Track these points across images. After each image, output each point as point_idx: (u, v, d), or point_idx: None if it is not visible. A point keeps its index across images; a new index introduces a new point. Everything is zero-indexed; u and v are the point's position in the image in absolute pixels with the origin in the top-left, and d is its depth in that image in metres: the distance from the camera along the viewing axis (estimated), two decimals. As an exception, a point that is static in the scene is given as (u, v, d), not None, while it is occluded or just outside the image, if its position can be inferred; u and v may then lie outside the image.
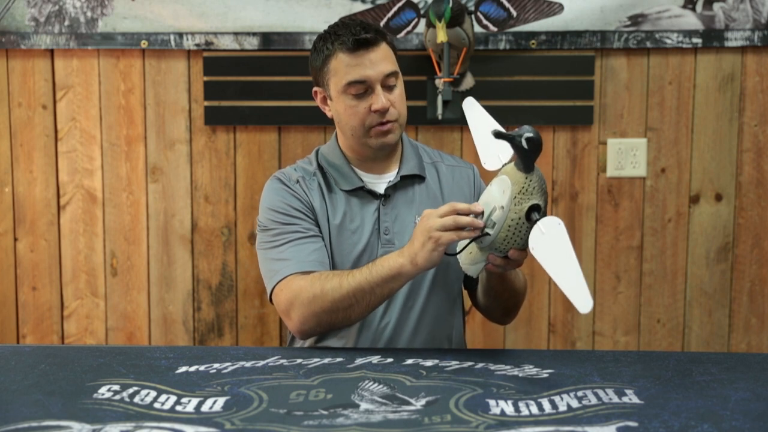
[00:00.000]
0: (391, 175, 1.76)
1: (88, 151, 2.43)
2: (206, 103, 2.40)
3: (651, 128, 2.40)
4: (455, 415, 1.19)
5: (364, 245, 1.71)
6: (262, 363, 1.46)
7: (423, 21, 2.30)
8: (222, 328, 2.47)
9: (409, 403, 1.24)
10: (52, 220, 2.45)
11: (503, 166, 1.48)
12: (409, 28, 2.30)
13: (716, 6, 2.34)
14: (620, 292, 2.45)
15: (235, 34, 2.37)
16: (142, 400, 1.25)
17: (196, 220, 2.45)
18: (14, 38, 2.38)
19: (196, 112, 2.42)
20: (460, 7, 2.23)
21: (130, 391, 1.29)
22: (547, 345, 2.46)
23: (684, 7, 2.35)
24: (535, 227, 1.39)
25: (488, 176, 1.72)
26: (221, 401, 1.25)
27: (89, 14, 2.37)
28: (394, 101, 1.68)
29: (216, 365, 1.44)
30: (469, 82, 2.35)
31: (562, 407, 1.22)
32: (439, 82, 2.28)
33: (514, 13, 2.29)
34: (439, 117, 2.29)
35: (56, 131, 2.43)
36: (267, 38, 2.37)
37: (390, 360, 1.48)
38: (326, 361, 1.47)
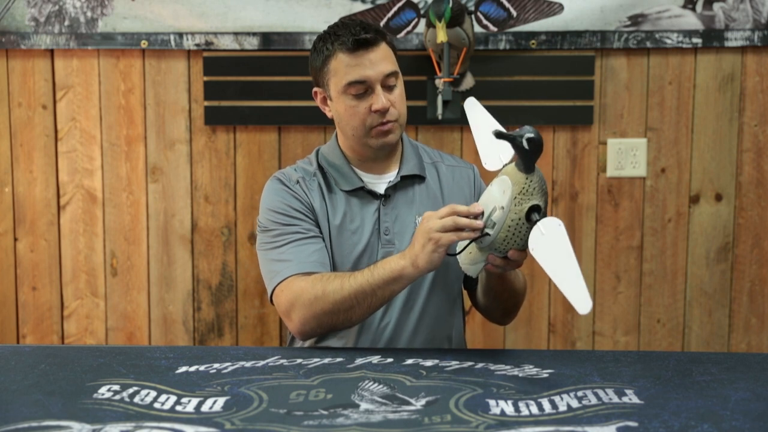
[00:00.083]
0: (391, 176, 1.76)
1: (88, 151, 2.43)
2: (206, 103, 2.40)
3: (651, 128, 2.40)
4: (455, 415, 1.19)
5: (365, 245, 1.71)
6: (262, 363, 1.46)
7: (423, 21, 2.30)
8: (222, 328, 2.47)
9: (409, 403, 1.24)
10: (52, 220, 2.45)
11: (504, 166, 1.48)
12: (409, 28, 2.30)
13: (716, 6, 2.34)
14: (620, 292, 2.45)
15: (235, 34, 2.37)
16: (142, 400, 1.25)
17: (196, 220, 2.45)
18: (14, 38, 2.38)
19: (196, 112, 2.42)
20: (460, 7, 2.23)
21: (130, 391, 1.29)
22: (547, 345, 2.46)
23: (684, 7, 2.35)
24: (535, 228, 1.39)
25: (488, 176, 1.72)
26: (221, 401, 1.25)
27: (89, 14, 2.37)
28: (395, 101, 1.68)
29: (216, 365, 1.44)
30: (469, 82, 2.35)
31: (562, 407, 1.22)
32: (439, 82, 2.28)
33: (514, 13, 2.29)
34: (439, 117, 2.29)
35: (56, 131, 2.43)
36: (267, 38, 2.37)
37: (390, 360, 1.48)
38: (326, 361, 1.47)
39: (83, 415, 1.18)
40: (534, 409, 1.21)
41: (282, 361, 1.47)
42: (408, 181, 1.76)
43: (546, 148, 2.38)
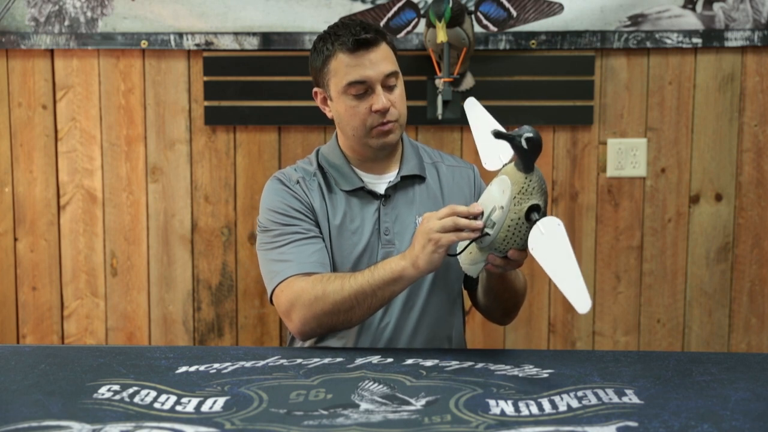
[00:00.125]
0: (391, 176, 1.76)
1: (88, 151, 2.43)
2: (206, 103, 2.40)
3: (651, 128, 2.40)
4: (455, 415, 1.19)
5: (365, 246, 1.71)
6: (262, 363, 1.46)
7: (423, 21, 2.30)
8: (222, 328, 2.47)
9: (409, 403, 1.24)
10: (52, 220, 2.45)
11: (504, 166, 1.48)
12: (409, 28, 2.30)
13: (716, 6, 2.34)
14: (620, 292, 2.45)
15: (235, 34, 2.37)
16: (142, 400, 1.25)
17: (196, 220, 2.45)
18: (14, 38, 2.38)
19: (196, 112, 2.42)
20: (460, 7, 2.23)
21: (130, 391, 1.29)
22: (547, 345, 2.46)
23: (684, 7, 2.35)
24: (535, 227, 1.39)
25: (488, 176, 1.72)
26: (221, 401, 1.25)
27: (89, 14, 2.37)
28: (395, 101, 1.68)
29: (216, 365, 1.44)
30: (469, 82, 2.35)
31: (562, 407, 1.22)
32: (439, 82, 2.28)
33: (514, 13, 2.29)
34: (439, 117, 2.29)
35: (56, 131, 2.43)
36: (267, 38, 2.37)
37: (390, 360, 1.48)
38: (326, 361, 1.47)
39: (83, 415, 1.18)
40: (534, 409, 1.21)
41: (282, 361, 1.47)
42: (408, 181, 1.76)
43: (546, 148, 2.38)
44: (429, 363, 1.45)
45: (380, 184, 1.75)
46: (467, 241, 1.49)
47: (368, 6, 2.33)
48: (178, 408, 1.22)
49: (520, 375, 1.38)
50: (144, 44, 2.37)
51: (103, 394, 1.27)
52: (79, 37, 2.38)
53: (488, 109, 1.63)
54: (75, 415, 1.18)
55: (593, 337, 2.46)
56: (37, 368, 1.41)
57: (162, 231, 2.45)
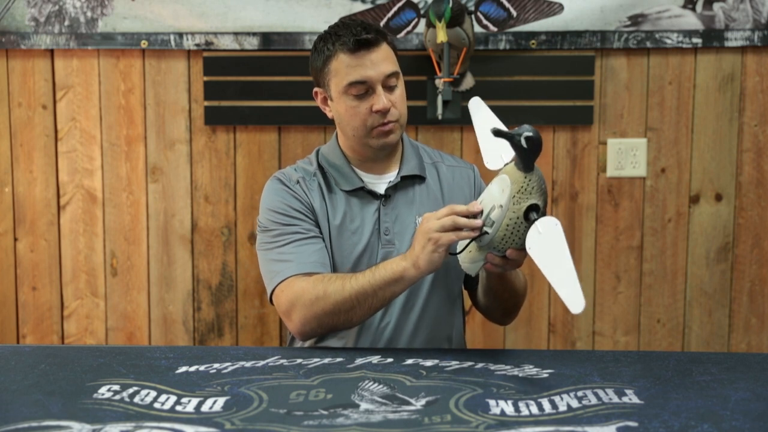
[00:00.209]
0: (391, 176, 1.76)
1: (88, 151, 2.43)
2: (206, 103, 2.40)
3: (651, 128, 2.40)
4: (455, 415, 1.19)
5: (365, 246, 1.71)
6: (262, 363, 1.46)
7: (423, 21, 2.30)
8: (222, 328, 2.47)
9: (409, 403, 1.24)
10: (52, 220, 2.45)
11: (505, 165, 1.48)
12: (409, 28, 2.30)
13: (716, 6, 2.34)
14: (620, 292, 2.45)
15: (235, 34, 2.37)
16: (142, 400, 1.25)
17: (196, 220, 2.45)
18: (14, 38, 2.38)
19: (196, 112, 2.42)
20: (460, 7, 2.23)
21: (130, 391, 1.29)
22: (547, 345, 2.46)
23: (684, 7, 2.35)
24: (533, 227, 1.39)
25: (488, 176, 1.72)
26: (221, 401, 1.25)
27: (89, 14, 2.37)
28: (395, 101, 1.68)
29: (216, 365, 1.44)
30: (469, 82, 2.35)
31: (562, 407, 1.22)
32: (439, 82, 2.28)
33: (514, 13, 2.29)
34: (439, 117, 2.29)
35: (56, 131, 2.43)
36: (267, 38, 2.37)
37: (390, 360, 1.48)
38: (326, 361, 1.47)
39: (83, 415, 1.18)
40: (534, 409, 1.21)
41: (282, 361, 1.47)
42: (408, 181, 1.76)
43: (546, 148, 2.38)
44: (429, 363, 1.45)
45: (380, 184, 1.75)
46: (467, 240, 1.49)
47: (368, 6, 2.33)
48: (178, 408, 1.22)
49: (520, 375, 1.38)
50: (144, 44, 2.37)
51: (103, 394, 1.27)
52: (79, 37, 2.38)
53: (489, 109, 1.63)
54: (75, 415, 1.18)
55: (593, 337, 2.46)
56: (37, 368, 1.41)
57: (162, 231, 2.45)
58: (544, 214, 1.41)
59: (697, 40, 2.35)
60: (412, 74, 2.28)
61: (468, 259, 1.51)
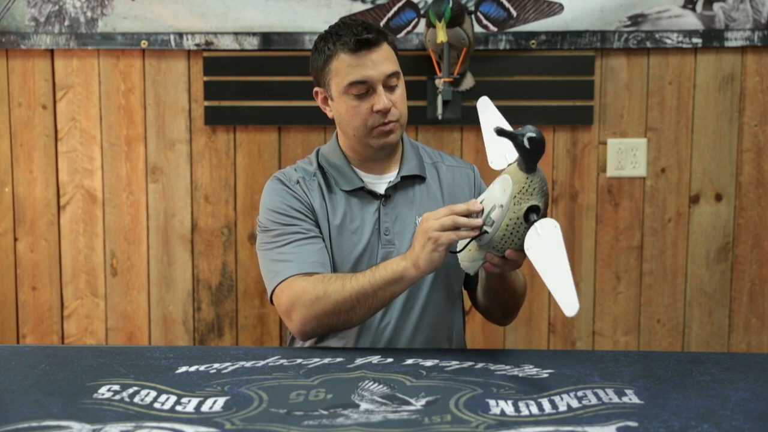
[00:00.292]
0: (391, 176, 1.76)
1: (88, 151, 2.43)
2: (206, 103, 2.40)
3: (651, 128, 2.40)
4: (455, 415, 1.19)
5: (365, 246, 1.71)
6: (262, 363, 1.46)
7: (423, 21, 2.30)
8: (222, 328, 2.47)
9: (409, 403, 1.24)
10: (52, 220, 2.45)
11: (508, 165, 1.48)
12: (409, 28, 2.30)
13: (716, 6, 2.34)
14: (620, 292, 2.45)
15: (235, 34, 2.37)
16: (142, 400, 1.25)
17: (196, 220, 2.45)
18: (14, 38, 2.38)
19: (196, 112, 2.42)
20: (460, 7, 2.23)
21: (130, 391, 1.29)
22: (547, 345, 2.46)
23: (684, 7, 2.35)
24: (532, 228, 1.39)
25: (489, 176, 1.72)
26: (221, 401, 1.25)
27: (89, 14, 2.37)
28: (396, 101, 1.68)
29: (216, 365, 1.44)
30: (469, 82, 2.35)
31: (562, 407, 1.22)
32: (439, 82, 2.28)
33: (514, 13, 2.29)
34: (439, 117, 2.29)
35: (56, 131, 2.43)
36: (267, 38, 2.37)
37: (390, 360, 1.48)
38: (326, 361, 1.47)
39: (83, 415, 1.18)
40: (534, 409, 1.21)
41: (282, 361, 1.47)
42: (408, 181, 1.76)
43: (546, 148, 2.37)
44: (429, 363, 1.45)
45: (380, 184, 1.75)
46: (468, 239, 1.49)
47: (368, 6, 2.33)
48: (178, 408, 1.22)
49: (520, 375, 1.38)
50: (144, 44, 2.37)
51: (103, 394, 1.27)
52: (79, 37, 2.38)
53: (496, 109, 1.63)
54: (75, 415, 1.18)
55: (593, 337, 2.46)
56: (37, 368, 1.41)
57: (162, 231, 2.45)
58: (544, 216, 1.41)
59: (697, 40, 2.35)
60: (412, 74, 2.28)
61: (467, 258, 1.51)
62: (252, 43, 2.37)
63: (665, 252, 2.43)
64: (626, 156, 2.40)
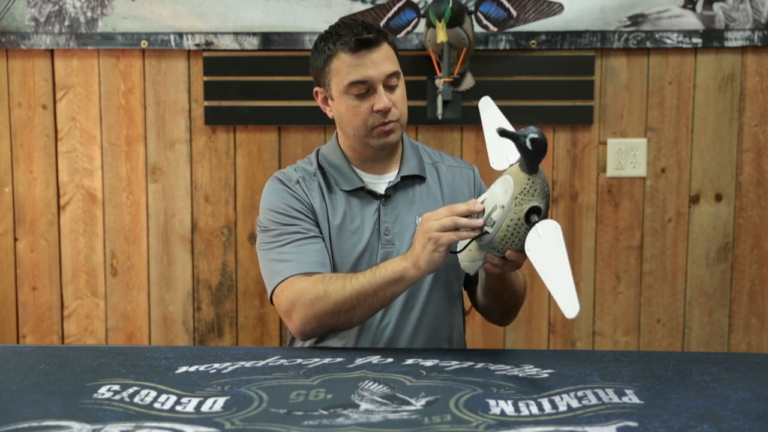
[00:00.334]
0: (391, 176, 1.76)
1: (88, 151, 2.43)
2: (206, 103, 2.40)
3: (651, 128, 2.40)
4: (455, 415, 1.19)
5: (365, 246, 1.71)
6: (262, 363, 1.46)
7: (423, 21, 2.30)
8: (222, 328, 2.47)
9: (409, 403, 1.24)
10: (52, 220, 2.45)
11: (510, 166, 1.48)
12: (409, 28, 2.30)
13: (716, 6, 2.34)
14: (620, 292, 2.45)
15: (235, 34, 2.37)
16: (142, 400, 1.25)
17: (196, 220, 2.45)
18: (14, 38, 2.38)
19: (196, 112, 2.42)
20: (460, 7, 2.23)
21: (130, 391, 1.29)
22: (547, 345, 2.46)
23: (684, 7, 2.35)
24: (533, 229, 1.39)
25: (489, 176, 1.72)
26: (221, 401, 1.25)
27: (89, 14, 2.37)
28: (396, 101, 1.68)
29: (216, 365, 1.44)
30: (469, 82, 2.35)
31: (562, 407, 1.22)
32: (439, 82, 2.28)
33: (514, 13, 2.29)
34: (439, 117, 2.29)
35: (56, 131, 2.43)
36: (267, 38, 2.37)
37: (390, 360, 1.48)
38: (326, 361, 1.47)
39: (83, 415, 1.18)
40: (534, 409, 1.21)
41: (282, 361, 1.47)
42: (408, 181, 1.76)
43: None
44: (429, 363, 1.45)
45: (380, 184, 1.75)
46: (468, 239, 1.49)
47: (368, 6, 2.33)
48: (178, 408, 1.22)
49: (520, 375, 1.38)
50: (144, 44, 2.37)
51: (103, 394, 1.27)
52: (79, 37, 2.38)
53: (498, 108, 1.62)
54: (75, 415, 1.18)
55: (593, 337, 2.46)
56: (37, 368, 1.41)
57: (162, 231, 2.45)
58: (545, 217, 1.41)
59: (697, 40, 2.35)
60: (412, 74, 2.28)
61: (467, 258, 1.51)
62: (252, 43, 2.37)
63: (665, 252, 2.43)
64: (626, 156, 2.40)
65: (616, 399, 1.25)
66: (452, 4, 2.19)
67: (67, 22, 2.37)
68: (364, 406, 1.23)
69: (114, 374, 1.38)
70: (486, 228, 1.44)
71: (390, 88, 1.68)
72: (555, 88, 2.39)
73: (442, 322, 1.75)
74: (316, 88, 1.76)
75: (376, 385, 1.32)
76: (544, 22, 2.33)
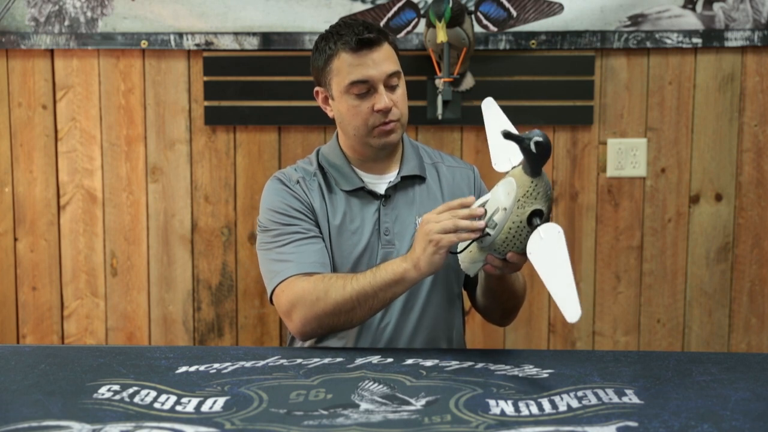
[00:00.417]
0: (391, 176, 1.76)
1: (88, 151, 2.43)
2: (206, 103, 2.40)
3: (651, 128, 2.40)
4: (455, 415, 1.19)
5: (365, 246, 1.71)
6: (262, 363, 1.46)
7: (423, 21, 2.30)
8: (222, 328, 2.47)
9: (409, 403, 1.24)
10: (52, 220, 2.45)
11: (513, 168, 1.48)
12: (409, 28, 2.30)
13: (716, 6, 2.34)
14: (620, 292, 2.45)
15: (235, 34, 2.37)
16: (142, 400, 1.25)
17: (196, 220, 2.45)
18: (14, 38, 2.38)
19: (196, 112, 2.42)
20: (460, 7, 2.23)
21: (130, 391, 1.29)
22: (547, 345, 2.46)
23: (684, 7, 2.35)
24: (535, 232, 1.39)
25: (489, 177, 1.72)
26: (221, 401, 1.25)
27: (89, 14, 2.37)
28: (397, 101, 1.68)
29: (216, 365, 1.44)
30: (469, 82, 2.35)
31: (562, 407, 1.22)
32: (439, 82, 2.28)
33: (514, 13, 2.29)
34: (439, 117, 2.29)
35: (56, 131, 2.43)
36: (267, 38, 2.37)
37: (390, 360, 1.48)
38: (326, 361, 1.47)
39: (83, 415, 1.18)
40: (534, 409, 1.21)
41: (282, 361, 1.47)
42: (408, 181, 1.76)
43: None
44: (429, 363, 1.45)
45: (380, 184, 1.75)
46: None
47: (368, 6, 2.33)
48: (178, 408, 1.22)
49: (520, 375, 1.38)
50: (144, 44, 2.37)
51: (103, 394, 1.27)
52: (79, 37, 2.38)
53: (500, 109, 1.62)
54: (75, 415, 1.18)
55: (593, 337, 2.46)
56: (37, 368, 1.41)
57: (162, 231, 2.45)
58: (547, 220, 1.41)
59: (697, 40, 2.35)
60: (412, 74, 2.27)
61: (468, 259, 1.51)
62: (252, 43, 2.37)
63: (665, 252, 2.43)
64: (626, 156, 2.40)
65: (616, 399, 1.25)
66: (452, 4, 2.19)
67: (67, 22, 2.37)
68: (364, 406, 1.23)
69: (114, 374, 1.38)
70: (488, 230, 1.44)
71: (391, 88, 1.68)
72: (555, 88, 2.39)
73: (441, 322, 1.75)
74: (316, 88, 1.76)
75: (376, 385, 1.32)
76: (544, 22, 2.33)
